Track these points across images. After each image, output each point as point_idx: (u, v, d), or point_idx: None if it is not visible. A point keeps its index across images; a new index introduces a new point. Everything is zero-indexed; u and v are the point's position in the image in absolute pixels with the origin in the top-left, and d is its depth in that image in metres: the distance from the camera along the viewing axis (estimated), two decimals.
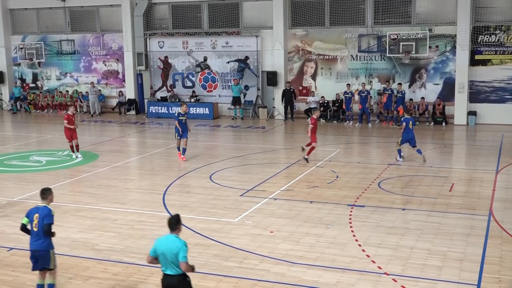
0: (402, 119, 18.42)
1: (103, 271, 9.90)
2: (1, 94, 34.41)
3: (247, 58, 29.03)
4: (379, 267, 9.81)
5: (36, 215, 8.53)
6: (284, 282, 9.29)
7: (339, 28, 27.40)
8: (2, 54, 33.76)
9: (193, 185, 15.78)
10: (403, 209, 13.17)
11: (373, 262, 10.05)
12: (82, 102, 32.09)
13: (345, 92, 26.54)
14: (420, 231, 11.63)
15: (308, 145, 18.45)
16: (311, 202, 13.83)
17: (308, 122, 19.13)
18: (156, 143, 22.67)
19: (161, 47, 30.52)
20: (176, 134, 18.80)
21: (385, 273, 9.56)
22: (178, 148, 19.01)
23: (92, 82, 31.72)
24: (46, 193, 8.76)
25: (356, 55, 27.37)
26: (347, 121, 26.76)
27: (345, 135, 24.02)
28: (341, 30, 27.37)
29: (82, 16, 32.36)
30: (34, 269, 8.69)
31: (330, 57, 27.83)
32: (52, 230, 8.52)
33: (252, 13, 29.02)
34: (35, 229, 8.49)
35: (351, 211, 13.02)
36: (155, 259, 7.46)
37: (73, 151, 19.68)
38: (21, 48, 33.45)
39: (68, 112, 19.57)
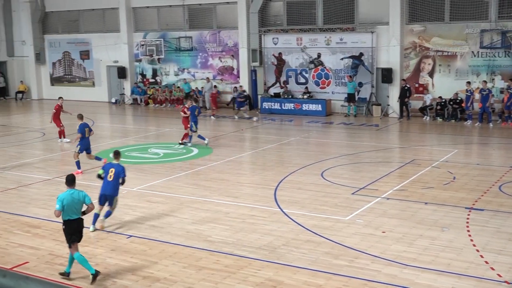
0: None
1: (215, 263, 10.14)
2: (124, 88, 36.18)
3: (361, 54, 28.61)
4: (499, 275, 9.32)
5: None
6: (396, 284, 9.07)
7: (459, 23, 26.30)
8: (125, 51, 35.49)
9: (304, 182, 15.77)
10: None
11: (492, 269, 9.57)
12: (198, 97, 33.03)
13: (466, 90, 25.42)
14: None
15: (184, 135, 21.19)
16: (426, 203, 13.41)
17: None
18: (268, 139, 22.90)
19: (275, 44, 30.78)
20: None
21: (505, 282, 9.07)
22: None
23: (208, 78, 32.62)
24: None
25: (478, 52, 26.14)
26: (467, 121, 25.65)
27: (464, 135, 23.04)
28: (462, 25, 26.25)
29: (200, 13, 33.32)
30: None
31: (449, 53, 26.79)
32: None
33: (368, 9, 28.54)
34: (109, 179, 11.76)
35: (468, 215, 12.48)
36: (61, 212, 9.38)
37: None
38: (142, 45, 35.00)
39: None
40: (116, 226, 12.23)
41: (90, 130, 17.38)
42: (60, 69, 39.10)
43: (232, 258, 10.33)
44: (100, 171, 11.91)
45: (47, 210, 13.46)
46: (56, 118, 22.44)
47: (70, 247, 9.48)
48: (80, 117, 17.32)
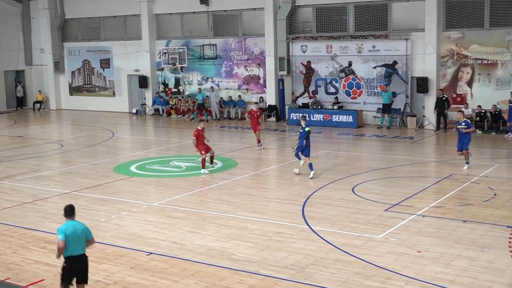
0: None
1: (240, 282, 10.12)
2: (145, 98, 36.47)
3: (395, 63, 28.47)
4: None
5: None
6: None
7: (500, 29, 26.03)
8: (147, 59, 35.80)
9: (334, 197, 15.70)
10: None
11: None
12: (222, 108, 33.15)
13: (509, 101, 25.03)
14: None
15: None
16: (464, 221, 13.23)
17: None
18: None
19: (304, 52, 30.80)
20: None
21: None
22: None
23: (212, 87, 32.78)
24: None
25: None
26: (508, 133, 25.29)
27: (505, 149, 22.71)
28: (503, 31, 25.98)
29: (225, 20, 33.49)
30: None
31: (489, 61, 26.52)
32: None
33: (402, 15, 28.42)
34: None
35: (511, 234, 12.28)
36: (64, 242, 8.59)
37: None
38: (165, 53, 35.32)
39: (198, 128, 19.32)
40: (135, 243, 12.29)
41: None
42: (79, 78, 39.66)
43: (257, 277, 10.30)
44: (307, 128, 17.60)
45: None
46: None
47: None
48: None
